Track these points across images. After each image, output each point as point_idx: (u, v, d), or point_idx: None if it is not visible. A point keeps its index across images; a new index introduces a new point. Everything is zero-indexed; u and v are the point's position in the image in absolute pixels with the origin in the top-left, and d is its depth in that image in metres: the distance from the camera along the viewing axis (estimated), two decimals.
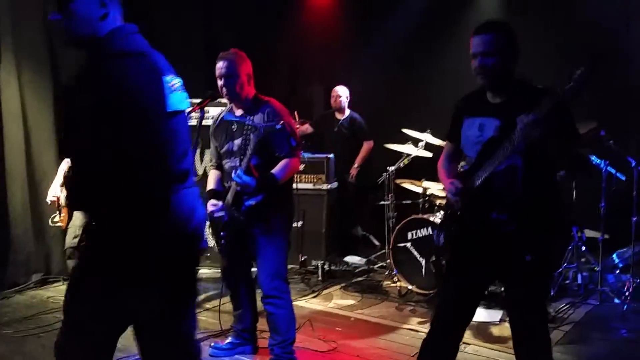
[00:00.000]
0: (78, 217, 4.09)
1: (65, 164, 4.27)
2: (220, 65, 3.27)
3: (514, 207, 2.43)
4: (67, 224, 4.12)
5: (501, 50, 2.42)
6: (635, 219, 4.57)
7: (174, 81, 2.07)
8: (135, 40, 2.05)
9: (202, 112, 3.13)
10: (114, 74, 1.86)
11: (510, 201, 2.43)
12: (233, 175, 3.15)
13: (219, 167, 3.54)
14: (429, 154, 5.34)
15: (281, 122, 3.10)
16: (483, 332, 4.03)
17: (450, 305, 2.65)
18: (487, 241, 2.51)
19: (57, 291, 5.16)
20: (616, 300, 4.54)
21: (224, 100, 3.45)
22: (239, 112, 3.38)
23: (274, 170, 3.21)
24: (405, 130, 5.45)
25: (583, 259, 4.95)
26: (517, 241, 2.44)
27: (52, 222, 4.28)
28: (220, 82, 3.28)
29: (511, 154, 2.36)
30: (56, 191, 4.19)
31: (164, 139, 1.91)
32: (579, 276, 4.89)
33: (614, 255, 5.15)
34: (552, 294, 4.61)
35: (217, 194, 3.41)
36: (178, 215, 1.97)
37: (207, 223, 3.36)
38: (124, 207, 1.84)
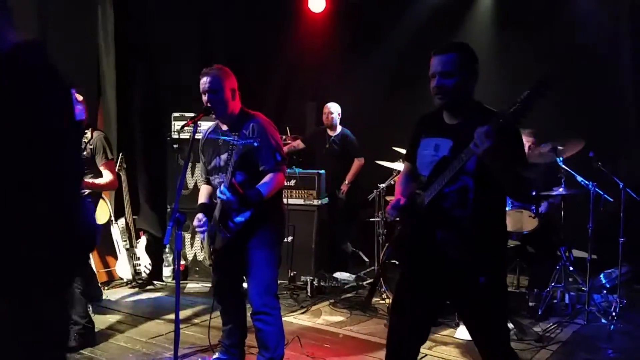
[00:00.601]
0: None
1: None
2: (204, 81, 3.26)
3: (464, 227, 2.43)
4: None
5: (460, 70, 2.43)
6: (622, 239, 4.62)
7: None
8: None
9: (195, 126, 3.16)
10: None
11: (459, 221, 2.43)
12: (217, 192, 3.15)
13: (209, 182, 3.54)
14: None
15: (258, 139, 3.12)
16: (471, 350, 4.02)
17: (401, 326, 2.62)
18: (437, 262, 2.50)
19: None
20: (603, 320, 4.56)
21: None
22: (224, 127, 3.39)
23: (258, 185, 3.21)
24: (396, 148, 5.49)
25: (571, 279, 4.97)
26: (469, 263, 2.43)
27: None
28: (204, 98, 3.27)
29: (459, 173, 2.36)
30: None
31: None
32: (567, 296, 4.92)
33: (602, 276, 5.19)
34: (539, 313, 4.64)
35: (207, 207, 3.40)
36: None
37: (199, 238, 3.38)
38: None
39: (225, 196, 3.07)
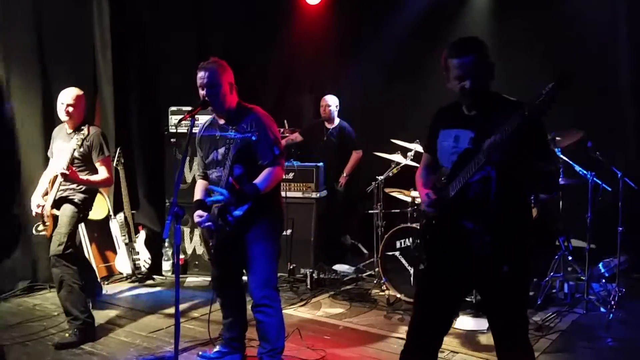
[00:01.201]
0: (63, 224, 4.05)
1: (48, 172, 4.24)
2: (201, 75, 3.24)
3: (488, 217, 2.46)
4: (52, 232, 4.08)
5: (481, 69, 2.47)
6: (621, 229, 4.63)
7: None
8: None
9: (193, 120, 3.15)
10: None
11: (483, 211, 2.47)
12: (214, 194, 3.15)
13: (205, 176, 3.52)
14: (418, 164, 5.36)
15: (257, 133, 3.10)
16: (471, 340, 4.05)
17: (426, 315, 2.66)
18: (463, 252, 2.54)
19: (44, 299, 5.12)
20: (602, 309, 4.58)
21: None
22: (221, 121, 3.38)
23: (256, 180, 3.20)
24: (394, 141, 5.48)
25: (570, 269, 4.99)
26: (493, 251, 2.46)
27: (36, 230, 4.23)
28: (202, 92, 3.25)
29: (483, 165, 2.39)
30: (39, 201, 4.15)
31: None
32: (566, 285, 4.93)
33: (600, 265, 5.20)
34: (539, 302, 4.65)
35: (203, 204, 3.39)
36: None
37: (198, 232, 3.39)
38: None
39: (223, 197, 3.07)
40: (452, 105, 2.66)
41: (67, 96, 4.11)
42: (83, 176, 4.08)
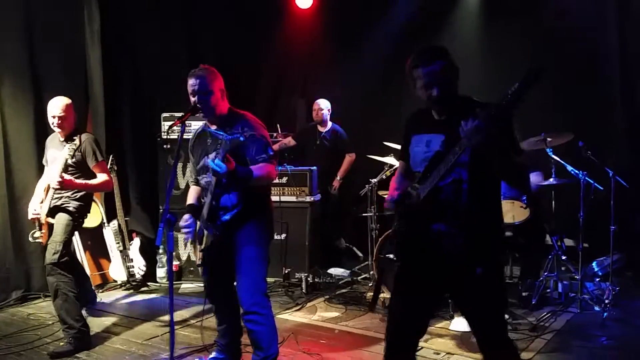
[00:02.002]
0: (58, 232, 4.04)
1: (44, 180, 4.24)
2: (192, 83, 3.22)
3: (460, 219, 2.46)
4: (47, 240, 4.07)
5: (446, 75, 2.47)
6: (613, 227, 4.64)
7: None
8: None
9: (184, 126, 3.14)
10: None
11: (455, 214, 2.46)
12: (211, 163, 3.02)
13: (198, 182, 3.51)
14: None
15: (245, 135, 3.04)
16: (467, 341, 4.05)
17: (400, 319, 2.65)
18: (435, 255, 2.53)
19: (38, 308, 5.10)
20: (596, 308, 4.60)
21: None
22: (213, 127, 3.37)
23: (251, 166, 3.16)
24: (387, 143, 5.49)
25: (563, 268, 5.01)
26: (466, 254, 2.46)
27: (32, 237, 4.23)
28: (193, 99, 3.23)
29: (453, 166, 2.40)
30: (36, 207, 4.15)
31: None
32: (560, 285, 4.94)
33: (594, 264, 5.23)
34: (533, 302, 4.67)
35: (195, 209, 3.39)
36: None
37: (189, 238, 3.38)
38: None
39: (220, 169, 2.95)
40: (422, 111, 2.67)
41: (56, 107, 4.09)
42: (80, 181, 4.07)
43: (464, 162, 2.40)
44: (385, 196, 5.25)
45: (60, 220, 4.08)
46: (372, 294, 5.12)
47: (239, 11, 6.96)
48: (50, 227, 4.08)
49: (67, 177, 3.96)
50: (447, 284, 2.59)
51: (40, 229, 4.12)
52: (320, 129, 6.56)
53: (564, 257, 4.86)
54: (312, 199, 5.90)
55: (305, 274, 5.53)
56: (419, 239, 2.58)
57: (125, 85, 6.30)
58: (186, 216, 3.31)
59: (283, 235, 5.65)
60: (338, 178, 6.49)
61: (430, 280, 2.57)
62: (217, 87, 3.26)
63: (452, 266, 2.50)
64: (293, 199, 5.90)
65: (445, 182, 2.45)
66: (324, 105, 6.49)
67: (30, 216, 4.17)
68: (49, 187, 4.05)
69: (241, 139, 3.01)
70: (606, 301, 4.54)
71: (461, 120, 2.29)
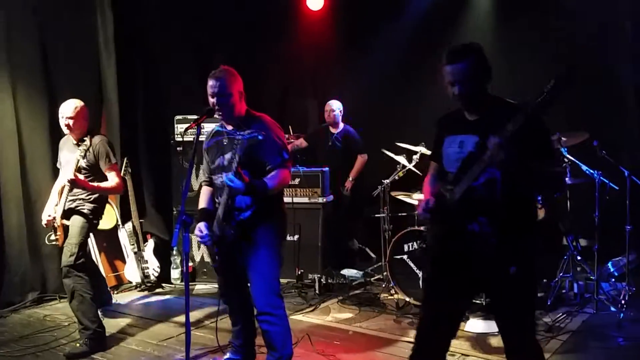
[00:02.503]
0: (74, 235, 4.08)
1: (59, 183, 4.27)
2: (212, 84, 3.25)
3: (494, 219, 2.47)
4: (63, 242, 4.11)
5: (475, 74, 2.48)
6: (629, 227, 4.61)
7: None
8: None
9: (199, 129, 3.17)
10: None
11: (489, 214, 2.47)
12: (224, 177, 3.09)
13: (210, 183, 3.53)
14: (424, 167, 5.36)
15: (263, 133, 3.09)
16: (482, 343, 4.04)
17: (433, 320, 2.66)
18: (469, 255, 2.54)
19: (54, 309, 5.14)
20: (612, 309, 4.56)
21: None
22: (229, 127, 3.39)
23: (265, 178, 3.19)
24: (399, 144, 5.49)
25: (579, 268, 4.98)
26: (500, 253, 2.47)
27: (49, 240, 4.26)
28: (212, 101, 3.26)
29: (486, 167, 2.41)
30: (50, 212, 4.18)
31: None
32: (575, 285, 4.92)
33: (609, 264, 5.18)
34: (548, 303, 4.64)
35: (207, 213, 3.40)
36: None
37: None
38: None
39: (233, 183, 3.01)
40: (455, 112, 2.68)
41: (67, 109, 4.11)
42: (92, 183, 4.10)
43: (497, 162, 2.38)
44: (400, 197, 5.29)
45: (76, 223, 4.11)
46: (387, 295, 5.14)
47: (250, 14, 6.97)
48: (66, 229, 4.11)
49: (80, 176, 3.98)
50: (481, 283, 2.60)
51: (55, 232, 4.16)
52: (332, 130, 6.56)
53: (579, 258, 4.83)
54: (324, 200, 5.91)
55: (318, 275, 5.53)
56: (454, 239, 2.59)
57: (138, 89, 6.33)
58: (201, 225, 3.30)
59: (296, 237, 5.65)
60: (350, 179, 6.48)
61: (462, 281, 2.58)
62: (236, 89, 3.28)
63: (486, 265, 2.51)
64: (305, 200, 5.91)
65: (479, 181, 2.46)
66: (335, 106, 6.49)
67: (44, 221, 4.20)
68: (62, 190, 4.08)
69: (259, 137, 3.04)
70: (622, 302, 4.51)
71: (493, 120, 2.33)
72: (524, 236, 2.53)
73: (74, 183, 3.91)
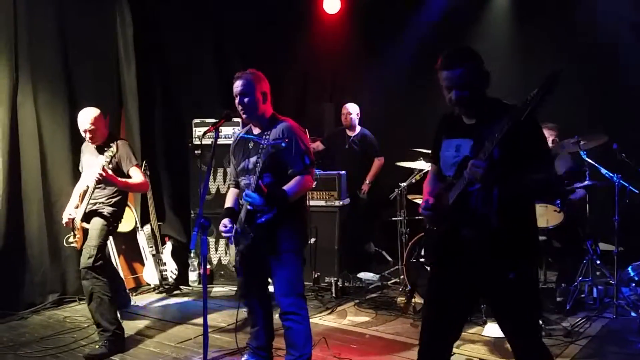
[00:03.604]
0: (93, 237, 4.13)
1: (81, 185, 4.33)
2: (237, 84, 3.34)
3: (490, 225, 2.44)
4: (82, 244, 4.16)
5: (472, 79, 2.46)
6: None
7: None
8: None
9: (217, 133, 3.22)
10: None
11: (485, 219, 2.45)
12: (243, 195, 3.21)
13: (237, 185, 3.58)
14: None
15: (286, 139, 3.17)
16: (499, 347, 4.01)
17: (435, 321, 2.65)
18: (465, 260, 2.52)
19: (74, 311, 5.20)
20: (632, 314, 4.50)
21: (238, 120, 3.51)
22: (256, 130, 3.45)
23: (285, 187, 3.25)
24: (415, 148, 5.46)
25: (598, 273, 4.93)
26: (496, 259, 2.45)
27: (67, 242, 4.33)
28: (236, 100, 3.35)
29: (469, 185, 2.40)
30: (71, 212, 4.24)
31: None
32: (595, 290, 4.86)
33: (629, 268, 5.11)
34: (567, 307, 4.60)
35: (232, 212, 3.45)
36: None
37: (223, 242, 3.43)
38: None
39: (250, 199, 3.12)
40: (453, 115, 2.66)
41: (85, 121, 4.14)
42: (121, 179, 4.12)
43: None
44: (417, 201, 5.27)
45: (95, 225, 4.16)
46: (403, 299, 5.12)
47: (267, 17, 7.01)
48: (85, 231, 4.16)
49: (109, 171, 4.00)
50: (480, 287, 2.58)
51: (74, 234, 4.21)
52: (349, 133, 6.56)
53: (598, 262, 4.78)
54: (341, 203, 5.91)
55: (335, 279, 5.53)
56: (450, 244, 2.57)
57: (157, 92, 6.40)
58: (225, 221, 3.39)
59: (312, 240, 5.66)
60: (367, 182, 6.48)
61: (463, 284, 2.57)
62: (259, 89, 3.34)
63: (484, 270, 2.49)
64: (322, 203, 5.91)
65: (475, 187, 2.44)
66: (352, 109, 6.50)
67: (64, 220, 4.26)
68: (84, 193, 4.13)
69: (282, 144, 3.10)
70: None
71: (489, 124, 2.30)
72: (522, 241, 2.49)
73: (104, 178, 3.93)
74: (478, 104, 2.51)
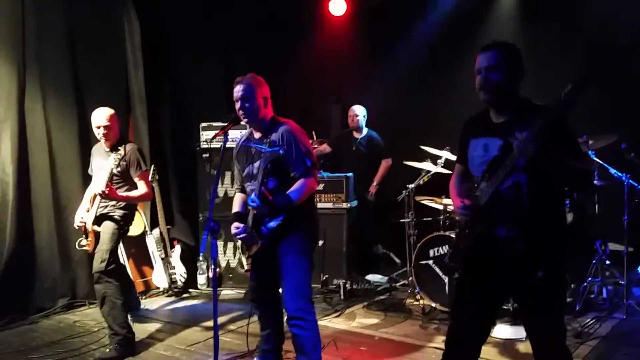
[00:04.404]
0: (105, 241, 4.15)
1: (92, 189, 4.35)
2: (237, 89, 3.34)
3: (521, 223, 2.45)
4: (94, 248, 4.18)
5: (505, 67, 2.46)
6: None
7: None
8: None
9: (226, 136, 3.23)
10: None
11: (516, 218, 2.45)
12: (248, 200, 3.22)
13: (243, 190, 3.59)
14: (449, 171, 5.34)
15: (284, 146, 3.19)
16: (510, 349, 4.00)
17: (462, 325, 2.65)
18: (497, 259, 2.53)
19: (84, 315, 5.23)
20: None
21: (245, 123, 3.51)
22: (257, 134, 3.45)
23: (289, 191, 3.25)
24: (423, 147, 5.47)
25: (608, 273, 4.91)
26: (527, 258, 2.45)
27: (79, 246, 4.35)
28: (237, 105, 3.35)
29: (512, 171, 2.38)
30: (83, 216, 4.27)
31: None
32: (604, 290, 4.85)
33: (639, 268, 5.10)
34: (577, 308, 4.58)
35: (241, 216, 3.46)
36: None
37: (231, 245, 3.43)
38: None
39: (255, 204, 3.14)
40: (481, 114, 2.66)
41: (101, 118, 4.20)
42: (122, 192, 4.18)
43: (521, 166, 2.37)
44: (425, 202, 5.26)
45: (107, 229, 4.19)
46: (412, 300, 5.12)
47: (273, 20, 7.04)
48: (97, 235, 4.19)
49: (113, 188, 4.07)
50: (509, 288, 2.58)
51: (86, 237, 4.24)
52: (356, 135, 6.57)
53: (608, 262, 4.76)
54: (348, 205, 5.91)
55: (343, 281, 5.53)
56: (481, 244, 2.58)
57: (164, 96, 6.43)
58: (236, 223, 3.40)
59: (320, 242, 5.65)
60: (375, 184, 6.48)
61: (491, 285, 2.57)
62: (260, 94, 3.34)
63: (513, 269, 2.49)
64: (330, 205, 5.91)
65: (505, 185, 2.44)
66: (359, 111, 6.50)
67: (76, 224, 4.29)
68: (95, 196, 4.16)
69: (280, 152, 3.12)
70: None
71: (519, 124, 2.29)
72: (552, 241, 2.50)
73: (105, 195, 3.99)
74: (508, 99, 2.50)
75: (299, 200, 3.25)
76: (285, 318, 3.42)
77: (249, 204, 3.20)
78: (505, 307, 4.35)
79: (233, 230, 3.39)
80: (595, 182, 4.69)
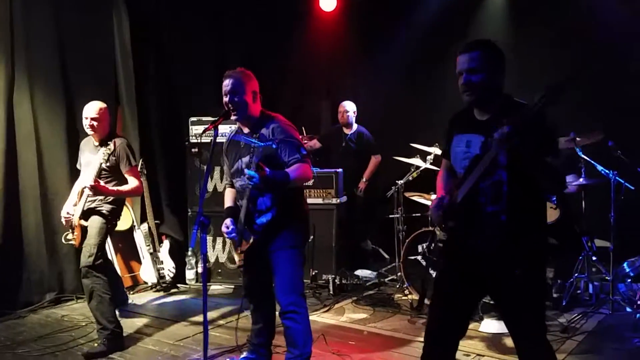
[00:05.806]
0: (93, 235, 4.13)
1: (80, 183, 4.33)
2: (226, 83, 3.31)
3: (499, 221, 2.45)
4: (80, 242, 4.16)
5: (486, 67, 2.46)
6: None
7: None
8: None
9: (216, 131, 3.21)
10: None
11: (495, 215, 2.46)
12: (246, 174, 3.10)
13: (233, 185, 3.58)
14: (438, 168, 5.36)
15: (277, 141, 3.15)
16: (497, 343, 4.04)
17: (441, 320, 2.66)
18: (475, 256, 2.54)
19: (71, 309, 5.20)
20: (628, 309, 4.54)
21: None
22: (246, 130, 3.43)
23: (287, 169, 3.20)
24: (413, 145, 5.49)
25: (594, 269, 4.96)
26: (505, 256, 2.46)
27: (65, 239, 4.32)
28: (225, 99, 3.32)
29: (492, 165, 2.37)
30: (69, 210, 4.24)
31: None
32: (590, 286, 4.90)
33: (625, 264, 5.13)
34: (564, 303, 4.63)
35: (233, 211, 3.44)
36: None
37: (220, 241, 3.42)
38: None
39: (254, 180, 3.01)
40: (465, 110, 2.67)
41: (91, 110, 4.19)
42: (112, 187, 4.16)
43: (503, 163, 2.38)
44: (414, 198, 5.29)
45: (94, 224, 4.16)
46: (400, 295, 5.14)
47: (264, 15, 7.02)
48: (84, 229, 4.16)
49: (101, 182, 4.05)
50: (487, 283, 2.59)
51: (73, 232, 4.21)
52: (346, 131, 6.58)
53: (594, 258, 4.81)
54: (338, 201, 5.91)
55: (333, 276, 5.55)
56: (459, 241, 2.59)
57: (153, 90, 6.39)
58: (227, 221, 3.36)
59: (310, 238, 5.67)
60: (364, 180, 6.50)
61: (470, 281, 2.58)
62: (249, 89, 3.31)
63: (491, 267, 2.50)
64: (319, 201, 5.91)
65: (485, 183, 2.45)
66: (349, 107, 6.51)
67: (62, 218, 4.26)
68: (82, 191, 4.14)
69: (273, 146, 3.10)
70: (638, 302, 4.46)
71: (502, 121, 2.29)
72: (531, 238, 2.51)
73: (95, 189, 3.97)
74: (490, 99, 2.50)
75: (295, 180, 3.18)
76: (278, 312, 3.43)
77: (247, 179, 3.06)
78: (492, 301, 4.38)
79: (223, 229, 3.37)
80: (582, 180, 4.73)
